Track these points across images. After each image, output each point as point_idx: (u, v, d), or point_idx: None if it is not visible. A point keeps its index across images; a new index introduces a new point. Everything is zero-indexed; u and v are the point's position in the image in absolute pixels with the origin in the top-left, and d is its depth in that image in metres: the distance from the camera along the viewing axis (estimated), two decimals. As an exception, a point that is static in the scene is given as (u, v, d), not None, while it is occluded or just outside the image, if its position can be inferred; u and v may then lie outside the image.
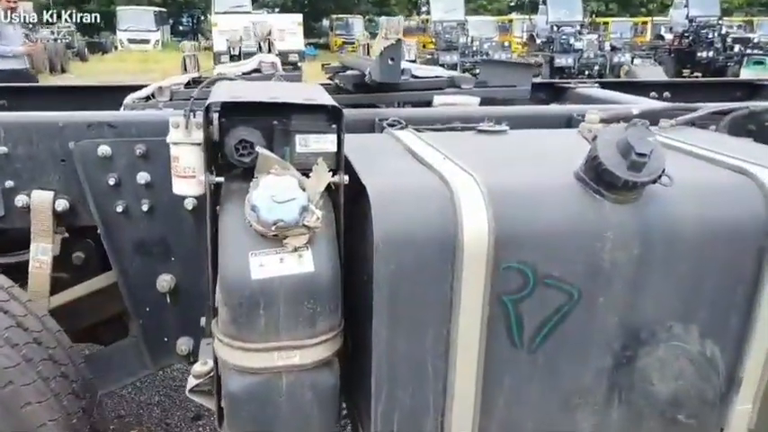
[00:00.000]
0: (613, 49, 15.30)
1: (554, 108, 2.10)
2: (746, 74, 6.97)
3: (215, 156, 1.31)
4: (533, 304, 1.21)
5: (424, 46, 22.05)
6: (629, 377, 1.30)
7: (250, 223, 1.15)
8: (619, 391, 1.31)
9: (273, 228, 1.13)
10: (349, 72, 2.35)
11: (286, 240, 1.16)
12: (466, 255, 1.14)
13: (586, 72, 14.76)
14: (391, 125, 1.73)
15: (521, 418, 1.30)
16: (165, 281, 1.80)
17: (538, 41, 17.64)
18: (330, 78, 2.59)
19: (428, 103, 2.14)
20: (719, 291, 1.28)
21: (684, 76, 14.13)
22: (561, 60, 14.71)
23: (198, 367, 1.52)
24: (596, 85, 2.83)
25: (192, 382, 1.53)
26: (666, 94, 2.96)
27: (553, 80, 3.06)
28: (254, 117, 1.27)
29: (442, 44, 17.16)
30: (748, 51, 13.58)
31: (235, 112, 1.28)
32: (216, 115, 1.29)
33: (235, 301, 1.17)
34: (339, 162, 1.26)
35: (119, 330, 2.10)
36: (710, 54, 14.69)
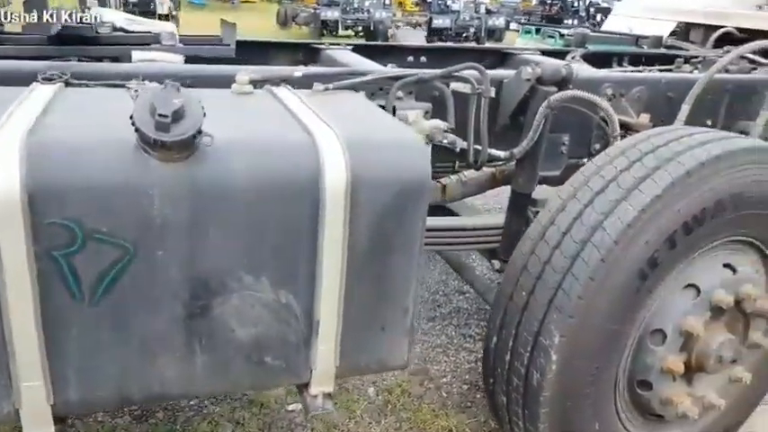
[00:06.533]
0: (488, 12, 15.66)
1: (223, 68, 2.10)
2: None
3: None
4: (86, 258, 1.25)
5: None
6: (207, 325, 1.39)
7: None
8: (199, 339, 1.40)
9: None
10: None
11: None
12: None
13: (464, 34, 15.03)
14: (48, 79, 1.72)
15: (100, 364, 1.35)
16: None
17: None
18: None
19: (130, 58, 2.12)
20: (283, 241, 1.38)
21: (554, 42, 14.74)
22: (439, 21, 14.86)
23: None
24: (349, 48, 2.90)
25: None
26: (423, 58, 3.08)
27: (311, 41, 3.11)
28: None
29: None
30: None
31: None
32: None
33: None
34: None
35: None
36: (575, 21, 15.47)
